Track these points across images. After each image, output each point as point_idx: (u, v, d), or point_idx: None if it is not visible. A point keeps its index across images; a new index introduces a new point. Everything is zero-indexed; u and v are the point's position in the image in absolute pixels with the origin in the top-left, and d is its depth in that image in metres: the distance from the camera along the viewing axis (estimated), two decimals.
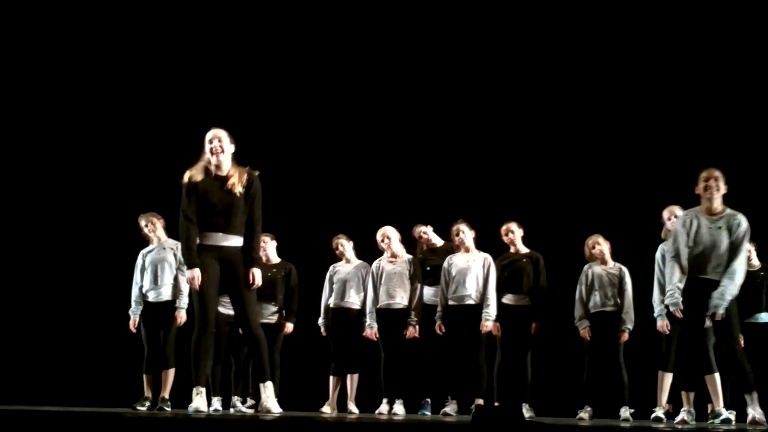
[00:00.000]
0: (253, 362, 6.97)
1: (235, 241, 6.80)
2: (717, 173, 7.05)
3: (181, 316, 8.64)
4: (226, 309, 8.29)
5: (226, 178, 6.79)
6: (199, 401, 6.75)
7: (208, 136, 6.85)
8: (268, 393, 6.83)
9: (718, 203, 7.05)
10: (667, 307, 7.90)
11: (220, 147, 6.79)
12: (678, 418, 7.29)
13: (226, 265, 6.76)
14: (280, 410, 6.95)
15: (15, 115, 11.40)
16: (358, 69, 11.12)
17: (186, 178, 6.87)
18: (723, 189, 7.05)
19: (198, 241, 6.79)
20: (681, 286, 7.01)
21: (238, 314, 6.88)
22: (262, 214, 6.87)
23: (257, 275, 6.81)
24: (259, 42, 11.29)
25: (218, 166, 6.81)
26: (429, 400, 8.99)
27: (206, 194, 6.76)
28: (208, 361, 7.00)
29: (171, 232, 8.89)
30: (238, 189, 6.75)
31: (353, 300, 9.05)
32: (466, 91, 10.91)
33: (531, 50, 10.81)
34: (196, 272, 6.71)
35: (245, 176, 6.80)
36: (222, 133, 6.85)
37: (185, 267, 8.57)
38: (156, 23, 11.30)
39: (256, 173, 6.89)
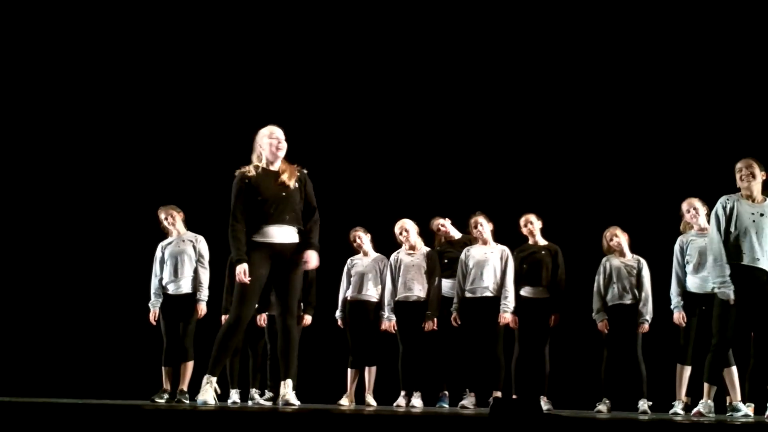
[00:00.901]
0: (282, 357, 6.94)
1: (289, 234, 6.84)
2: (750, 161, 7.08)
3: (201, 309, 8.68)
4: None
5: (278, 173, 6.84)
6: (208, 392, 6.74)
7: (274, 133, 6.89)
8: (287, 389, 6.85)
9: (756, 190, 7.04)
10: (684, 300, 7.92)
11: (283, 144, 6.88)
12: (695, 410, 7.27)
13: (278, 258, 6.79)
14: (299, 403, 6.98)
15: (38, 108, 11.44)
16: (375, 62, 11.11)
17: (238, 176, 6.88)
18: (760, 176, 7.05)
19: (251, 237, 6.79)
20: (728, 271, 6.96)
21: (281, 306, 6.87)
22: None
23: (312, 257, 6.84)
24: (278, 38, 11.30)
25: (272, 163, 6.88)
26: (447, 392, 9.00)
27: (259, 189, 6.78)
28: (228, 356, 7.00)
29: (190, 225, 8.92)
30: (292, 183, 6.83)
31: (371, 293, 9.06)
32: (483, 83, 10.89)
33: (549, 42, 10.78)
34: (245, 267, 6.70)
35: (297, 172, 6.89)
36: (281, 132, 6.93)
37: (205, 260, 8.71)
38: (175, 20, 11.31)
39: (305, 171, 7.00)
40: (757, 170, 7.04)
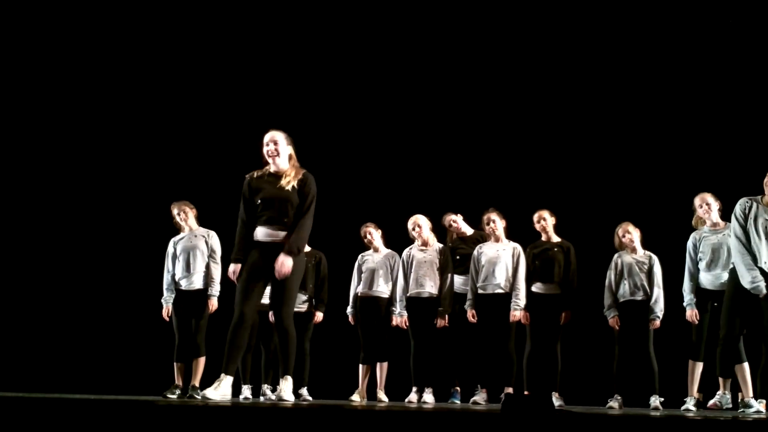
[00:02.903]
0: (281, 355, 7.00)
1: (280, 235, 6.88)
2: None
3: (213, 304, 8.67)
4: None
5: (281, 176, 6.90)
6: (224, 387, 6.79)
7: (265, 138, 6.97)
8: (285, 387, 6.89)
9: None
10: (697, 296, 7.91)
11: (275, 150, 6.95)
12: (711, 402, 7.26)
13: (268, 259, 6.83)
14: (294, 400, 7.00)
15: (51, 103, 11.47)
16: (387, 59, 11.11)
17: (246, 177, 7.00)
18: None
19: (254, 237, 6.90)
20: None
21: (274, 306, 6.92)
22: (312, 214, 6.94)
23: (284, 262, 6.77)
24: (291, 37, 11.30)
25: (272, 165, 6.96)
26: (458, 388, 9.01)
27: (258, 191, 6.87)
28: (240, 353, 7.02)
29: (202, 221, 8.94)
30: (291, 185, 6.87)
31: (382, 289, 9.07)
32: (496, 79, 10.88)
33: (561, 39, 10.76)
34: (234, 267, 6.85)
35: (300, 175, 6.92)
36: (278, 136, 6.98)
37: (217, 255, 8.73)
38: (190, 19, 11.33)
39: (311, 176, 7.00)
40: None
